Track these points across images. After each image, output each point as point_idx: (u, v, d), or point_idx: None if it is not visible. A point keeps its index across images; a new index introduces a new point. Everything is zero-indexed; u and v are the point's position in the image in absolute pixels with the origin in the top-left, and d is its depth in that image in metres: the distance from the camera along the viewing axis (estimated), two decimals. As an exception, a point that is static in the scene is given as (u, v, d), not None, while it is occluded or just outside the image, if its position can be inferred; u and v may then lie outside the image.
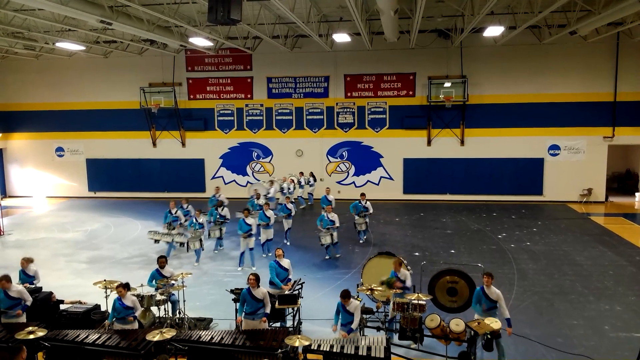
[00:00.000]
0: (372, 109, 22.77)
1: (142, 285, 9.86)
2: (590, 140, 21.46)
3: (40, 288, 10.08)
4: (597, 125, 21.33)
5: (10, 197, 25.17)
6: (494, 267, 12.87)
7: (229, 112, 23.71)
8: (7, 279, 8.75)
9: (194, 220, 14.63)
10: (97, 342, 7.45)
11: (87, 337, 7.58)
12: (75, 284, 12.60)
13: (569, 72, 21.19)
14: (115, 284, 9.45)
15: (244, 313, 8.56)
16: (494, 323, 7.93)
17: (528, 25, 16.39)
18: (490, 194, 22.16)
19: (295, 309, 9.36)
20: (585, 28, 17.04)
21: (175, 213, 15.21)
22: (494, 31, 17.51)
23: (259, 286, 8.54)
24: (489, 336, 7.77)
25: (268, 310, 8.59)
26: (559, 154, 21.76)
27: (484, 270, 10.10)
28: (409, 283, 9.45)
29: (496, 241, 16.02)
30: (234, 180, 23.85)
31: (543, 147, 21.77)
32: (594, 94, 21.18)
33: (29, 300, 8.84)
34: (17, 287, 8.83)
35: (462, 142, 22.24)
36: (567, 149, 21.69)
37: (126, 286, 8.68)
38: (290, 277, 10.06)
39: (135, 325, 8.46)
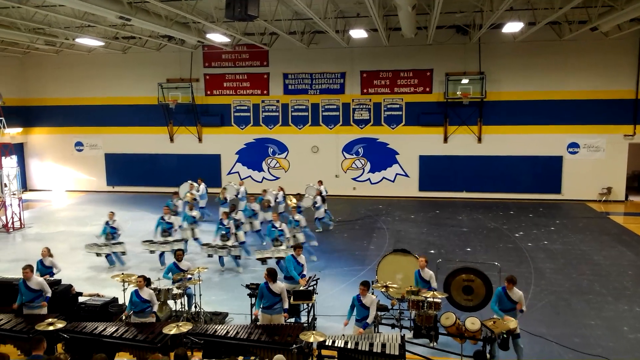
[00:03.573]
0: (388, 106, 22.66)
1: (159, 279, 10.00)
2: (611, 139, 21.11)
3: (60, 280, 10.25)
4: (618, 123, 20.97)
5: (30, 190, 25.60)
6: (511, 266, 12.76)
7: (245, 108, 23.80)
8: (31, 268, 8.97)
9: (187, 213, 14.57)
10: (114, 335, 7.55)
11: (104, 329, 7.68)
12: (93, 277, 12.79)
13: (590, 68, 20.84)
14: (133, 277, 9.61)
15: (261, 307, 8.62)
16: (511, 322, 7.87)
17: (548, 22, 16.15)
18: (507, 192, 21.93)
19: (310, 304, 9.40)
20: (607, 24, 16.75)
21: (169, 219, 14.00)
22: (513, 27, 17.29)
23: (275, 281, 8.58)
24: (504, 335, 7.72)
25: (287, 306, 8.62)
26: (578, 152, 21.46)
27: (499, 268, 10.06)
28: (434, 284, 9.28)
29: (513, 240, 15.87)
30: (250, 176, 23.95)
31: (562, 145, 21.48)
32: (614, 91, 20.80)
33: (48, 292, 9.00)
34: (37, 279, 8.99)
35: (480, 139, 22.04)
36: (587, 147, 21.37)
37: (147, 279, 8.81)
38: (304, 272, 10.11)
39: (154, 320, 8.56)
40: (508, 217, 18.80)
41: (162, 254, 13.57)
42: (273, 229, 13.14)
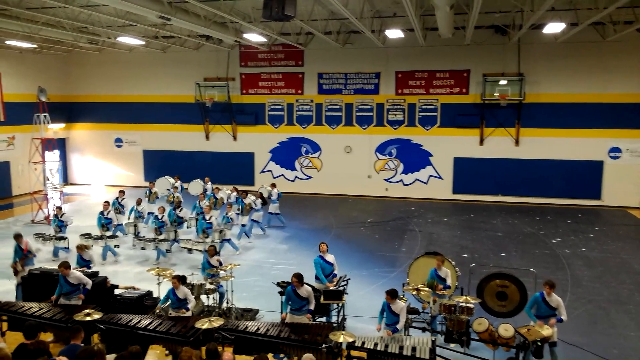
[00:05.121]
0: (423, 107, 22.43)
1: (192, 274, 10.18)
2: (655, 144, 20.36)
3: (97, 273, 10.55)
4: (664, 128, 20.21)
5: (71, 184, 26.41)
6: (547, 273, 12.44)
7: (280, 107, 23.97)
8: (65, 265, 9.13)
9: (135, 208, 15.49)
10: (148, 328, 7.73)
11: (139, 322, 7.88)
12: (129, 271, 13.11)
13: (634, 71, 20.11)
14: (168, 272, 9.80)
15: (288, 308, 8.67)
16: (545, 330, 7.69)
17: (591, 22, 15.68)
18: (545, 197, 21.40)
19: (340, 305, 9.40)
20: (654, 25, 16.14)
21: (108, 214, 14.43)
22: (554, 28, 16.85)
23: (302, 285, 8.61)
24: (539, 343, 7.55)
25: (312, 307, 8.66)
26: (620, 157, 20.75)
27: (535, 274, 9.83)
28: (449, 281, 9.37)
29: (550, 246, 15.48)
30: (283, 175, 24.11)
31: (603, 150, 20.81)
32: (661, 94, 20.05)
33: (88, 283, 9.24)
34: (75, 274, 9.22)
35: (517, 142, 21.57)
36: (629, 151, 20.64)
37: (181, 279, 8.92)
38: (335, 272, 10.11)
39: (189, 315, 8.71)
40: (545, 223, 18.34)
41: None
42: (203, 220, 13.90)
